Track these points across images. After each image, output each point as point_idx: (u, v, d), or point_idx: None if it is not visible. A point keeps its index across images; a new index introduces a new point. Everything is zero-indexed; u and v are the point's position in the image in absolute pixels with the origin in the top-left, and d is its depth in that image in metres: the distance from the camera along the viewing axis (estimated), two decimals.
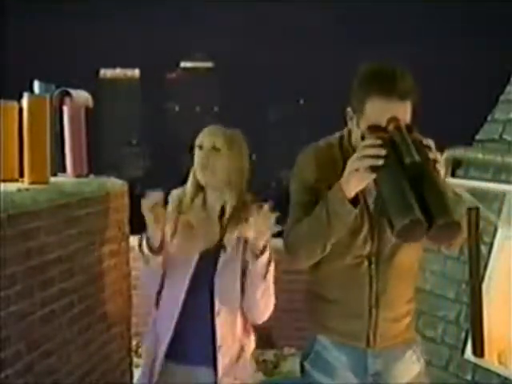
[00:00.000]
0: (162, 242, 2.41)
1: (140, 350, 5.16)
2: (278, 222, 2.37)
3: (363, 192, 1.99)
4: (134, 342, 4.22)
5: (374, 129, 1.93)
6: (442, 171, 1.92)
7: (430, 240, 1.85)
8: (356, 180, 1.89)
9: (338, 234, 2.00)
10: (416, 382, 2.25)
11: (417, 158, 1.82)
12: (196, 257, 2.40)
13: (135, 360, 4.57)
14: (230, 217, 2.43)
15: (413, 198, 1.78)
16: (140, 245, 2.46)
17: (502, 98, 4.06)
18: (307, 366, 2.24)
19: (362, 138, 1.96)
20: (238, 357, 2.44)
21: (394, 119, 1.90)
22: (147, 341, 2.56)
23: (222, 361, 2.39)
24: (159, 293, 2.50)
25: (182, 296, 2.40)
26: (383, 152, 1.84)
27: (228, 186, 2.43)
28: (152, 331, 2.52)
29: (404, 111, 1.93)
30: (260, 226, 2.26)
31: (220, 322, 2.38)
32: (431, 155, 1.86)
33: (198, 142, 2.46)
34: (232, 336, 2.42)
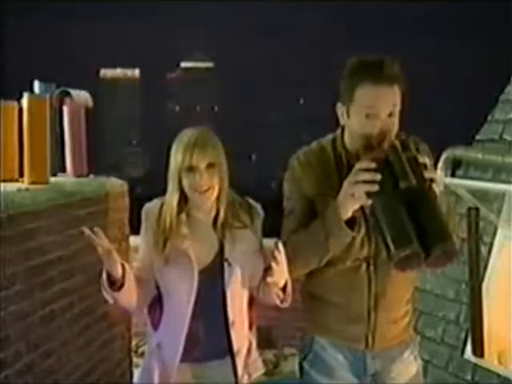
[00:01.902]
0: (123, 273, 2.21)
1: (140, 350, 5.17)
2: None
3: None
4: (133, 342, 4.22)
5: (369, 147, 1.93)
6: (438, 190, 1.93)
7: (428, 267, 1.88)
8: (351, 204, 1.93)
9: (334, 252, 2.04)
10: (414, 381, 2.26)
11: (413, 181, 1.82)
12: (196, 277, 2.31)
13: (135, 360, 4.57)
14: (225, 225, 2.34)
15: (410, 226, 1.79)
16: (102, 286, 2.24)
17: (501, 97, 4.06)
18: (306, 366, 2.24)
19: (357, 157, 1.97)
20: (249, 352, 2.43)
21: (383, 133, 1.91)
22: (151, 358, 2.42)
23: (239, 363, 2.39)
24: (154, 312, 2.39)
25: (187, 320, 2.32)
26: (378, 177, 1.85)
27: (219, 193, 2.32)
28: (156, 353, 2.39)
29: (393, 96, 1.96)
30: (282, 270, 2.14)
31: (235, 332, 2.37)
32: (427, 174, 1.87)
33: (185, 162, 2.23)
34: (243, 337, 2.42)
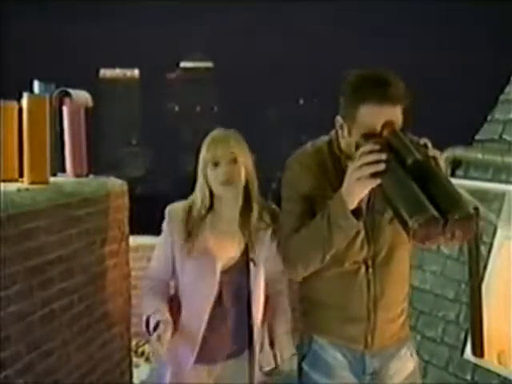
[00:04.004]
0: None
1: (140, 350, 5.18)
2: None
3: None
4: (133, 342, 4.23)
5: (370, 136, 1.90)
6: (444, 167, 1.91)
7: (447, 236, 1.77)
8: (359, 190, 1.86)
9: (338, 246, 1.99)
10: (411, 378, 2.26)
11: (418, 156, 1.80)
12: (217, 276, 2.36)
13: (135, 360, 4.58)
14: (251, 225, 2.40)
15: (423, 196, 1.75)
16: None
17: (501, 97, 4.06)
18: (305, 367, 2.23)
19: (357, 147, 1.92)
20: (262, 347, 2.48)
21: (388, 124, 1.89)
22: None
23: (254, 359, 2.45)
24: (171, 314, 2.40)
25: (205, 321, 2.37)
26: (384, 156, 1.81)
27: (243, 192, 2.40)
28: (171, 353, 2.39)
29: (396, 116, 1.92)
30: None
31: (256, 329, 2.43)
32: (430, 153, 1.85)
33: (209, 157, 2.35)
34: (258, 333, 2.47)
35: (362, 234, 2.08)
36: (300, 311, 2.28)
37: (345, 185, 1.89)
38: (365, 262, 2.11)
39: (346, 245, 2.05)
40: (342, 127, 2.01)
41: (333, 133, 2.12)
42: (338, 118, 2.02)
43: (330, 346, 2.19)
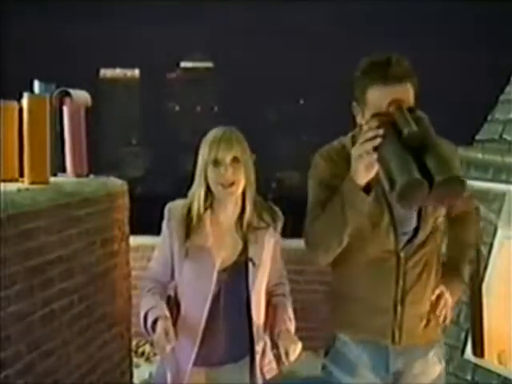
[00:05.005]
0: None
1: (140, 350, 5.17)
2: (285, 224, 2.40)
3: (379, 181, 1.96)
4: (134, 342, 4.23)
5: (377, 116, 1.95)
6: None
7: (435, 201, 1.87)
8: (363, 166, 1.90)
9: (352, 224, 2.00)
10: (436, 383, 2.24)
11: (414, 127, 1.85)
12: (215, 275, 2.33)
13: (135, 360, 4.58)
14: (250, 225, 2.37)
15: (412, 161, 1.80)
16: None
17: (501, 97, 4.06)
18: (328, 363, 2.24)
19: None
20: (264, 353, 2.45)
21: (395, 101, 1.93)
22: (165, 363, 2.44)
23: (255, 364, 2.42)
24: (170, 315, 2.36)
25: (203, 322, 2.33)
26: (381, 131, 1.86)
27: (243, 192, 2.36)
28: (169, 355, 2.36)
29: (405, 94, 1.96)
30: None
31: (256, 332, 2.39)
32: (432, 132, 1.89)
33: (211, 157, 2.29)
34: (260, 338, 2.43)
35: (386, 221, 2.10)
36: (329, 309, 2.29)
37: (352, 163, 1.94)
38: (396, 252, 2.12)
39: (369, 232, 2.08)
40: (358, 112, 2.08)
41: (357, 128, 2.16)
42: (354, 104, 2.08)
43: (353, 344, 2.19)
